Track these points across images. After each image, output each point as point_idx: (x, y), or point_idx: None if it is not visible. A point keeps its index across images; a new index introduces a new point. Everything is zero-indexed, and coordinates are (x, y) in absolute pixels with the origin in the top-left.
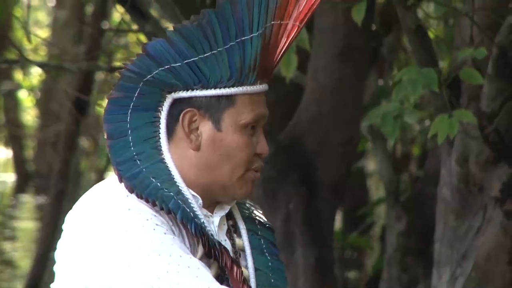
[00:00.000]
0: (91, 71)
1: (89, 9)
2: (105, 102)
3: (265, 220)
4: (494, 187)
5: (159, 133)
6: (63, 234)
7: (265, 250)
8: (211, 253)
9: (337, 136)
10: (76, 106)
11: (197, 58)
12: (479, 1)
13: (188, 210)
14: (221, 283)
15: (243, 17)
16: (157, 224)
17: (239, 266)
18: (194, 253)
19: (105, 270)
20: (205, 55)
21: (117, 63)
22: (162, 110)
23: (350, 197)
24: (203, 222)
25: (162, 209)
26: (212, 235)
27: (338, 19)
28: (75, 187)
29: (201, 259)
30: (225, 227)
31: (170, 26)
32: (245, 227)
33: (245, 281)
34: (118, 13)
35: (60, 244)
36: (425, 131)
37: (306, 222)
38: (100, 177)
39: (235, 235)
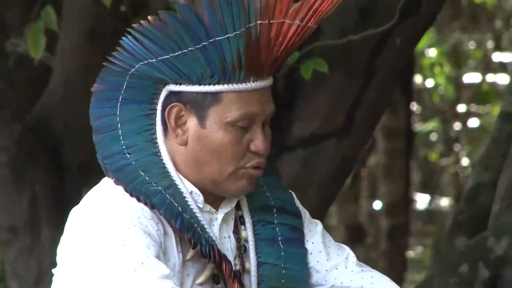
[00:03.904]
0: None
1: None
2: None
3: (291, 205)
4: None
5: (155, 126)
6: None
7: (279, 239)
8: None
9: (84, 118)
10: None
11: (168, 56)
12: None
13: (177, 204)
14: (218, 282)
15: (211, 18)
16: (134, 226)
17: (228, 262)
18: (185, 253)
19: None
20: (176, 53)
21: None
22: (158, 102)
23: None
24: (197, 217)
25: (146, 204)
26: (203, 230)
27: (87, 1)
28: None
29: (192, 259)
30: (233, 222)
31: None
32: (251, 220)
33: (236, 277)
34: None
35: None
36: None
37: (53, 204)
38: None
39: (242, 227)
